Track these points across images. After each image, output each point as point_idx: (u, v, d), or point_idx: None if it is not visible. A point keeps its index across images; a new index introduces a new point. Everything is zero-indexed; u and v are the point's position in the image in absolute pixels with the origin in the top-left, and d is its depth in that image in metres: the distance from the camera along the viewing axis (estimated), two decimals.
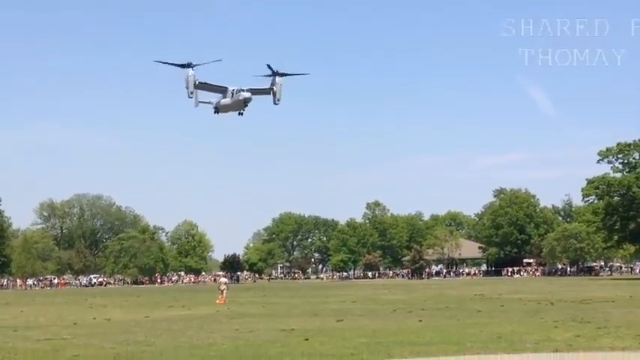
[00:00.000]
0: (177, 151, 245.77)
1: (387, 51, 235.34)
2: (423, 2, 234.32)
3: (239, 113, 54.49)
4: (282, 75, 53.47)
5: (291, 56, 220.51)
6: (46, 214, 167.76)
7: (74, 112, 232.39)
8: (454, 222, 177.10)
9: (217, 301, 45.36)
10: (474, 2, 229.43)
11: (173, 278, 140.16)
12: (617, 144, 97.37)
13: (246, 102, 53.11)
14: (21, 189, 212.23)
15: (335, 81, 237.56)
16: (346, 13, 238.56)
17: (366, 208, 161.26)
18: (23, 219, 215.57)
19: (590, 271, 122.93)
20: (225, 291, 47.37)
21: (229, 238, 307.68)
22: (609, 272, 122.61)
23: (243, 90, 52.86)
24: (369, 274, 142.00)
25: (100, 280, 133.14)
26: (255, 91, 53.65)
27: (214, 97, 55.65)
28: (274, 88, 53.04)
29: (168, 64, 52.03)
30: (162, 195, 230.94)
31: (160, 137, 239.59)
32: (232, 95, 53.11)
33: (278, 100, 53.49)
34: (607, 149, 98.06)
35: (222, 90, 54.03)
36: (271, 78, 53.23)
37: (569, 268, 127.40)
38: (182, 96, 52.16)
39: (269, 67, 53.03)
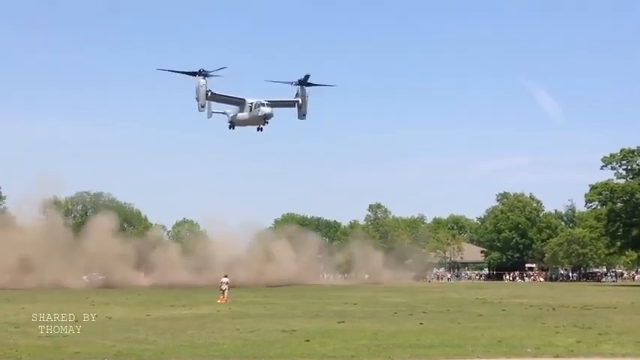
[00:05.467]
0: (178, 150, 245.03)
1: (389, 51, 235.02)
2: (430, 3, 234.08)
3: (258, 129, 48.48)
4: (309, 84, 46.96)
5: (291, 56, 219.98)
6: (49, 210, 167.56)
7: (74, 109, 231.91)
8: (456, 225, 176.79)
9: (218, 301, 45.39)
10: (481, 3, 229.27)
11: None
12: (621, 150, 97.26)
13: (266, 118, 47.29)
14: (25, 186, 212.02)
15: (337, 81, 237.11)
16: (349, 12, 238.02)
17: (369, 209, 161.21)
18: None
19: (592, 277, 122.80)
20: (226, 291, 47.39)
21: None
22: (613, 278, 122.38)
23: (263, 104, 46.82)
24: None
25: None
26: (276, 104, 47.88)
27: (228, 107, 50.16)
28: (299, 100, 47.02)
29: (174, 72, 46.51)
30: (163, 194, 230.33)
31: (162, 135, 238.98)
32: (251, 109, 47.26)
33: (304, 115, 47.20)
34: (611, 155, 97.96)
35: (239, 102, 48.22)
36: (296, 88, 47.15)
37: (571, 274, 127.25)
38: (186, 93, 47.53)
39: (302, 80, 45.89)
